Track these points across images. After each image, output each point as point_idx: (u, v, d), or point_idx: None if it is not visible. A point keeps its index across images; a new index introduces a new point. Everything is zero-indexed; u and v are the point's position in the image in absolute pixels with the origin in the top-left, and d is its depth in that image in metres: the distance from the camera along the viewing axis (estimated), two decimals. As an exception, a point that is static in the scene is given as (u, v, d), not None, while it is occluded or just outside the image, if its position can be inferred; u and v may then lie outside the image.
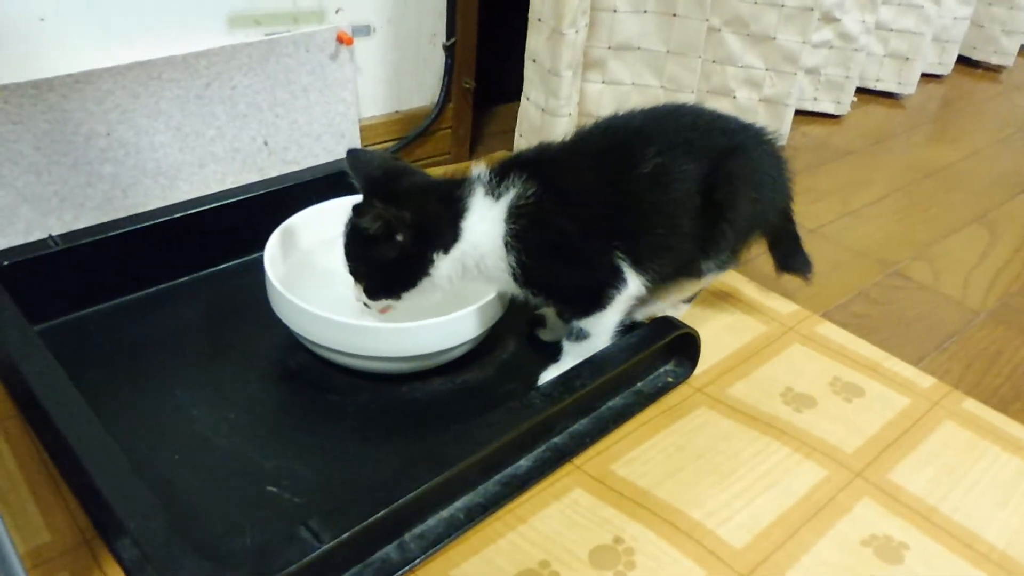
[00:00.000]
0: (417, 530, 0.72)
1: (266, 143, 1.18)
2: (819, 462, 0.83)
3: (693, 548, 0.73)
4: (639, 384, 0.91)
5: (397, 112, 1.34)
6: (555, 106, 1.23)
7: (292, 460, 0.79)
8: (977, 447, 0.87)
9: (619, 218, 0.83)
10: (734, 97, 1.43)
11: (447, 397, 0.88)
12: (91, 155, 1.03)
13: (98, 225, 0.98)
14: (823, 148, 1.58)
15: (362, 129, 1.28)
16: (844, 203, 1.38)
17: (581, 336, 0.86)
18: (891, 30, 1.73)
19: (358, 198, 0.83)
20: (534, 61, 1.24)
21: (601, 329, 0.85)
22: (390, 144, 1.33)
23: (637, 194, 0.83)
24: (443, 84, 1.35)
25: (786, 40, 1.37)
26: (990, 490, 0.82)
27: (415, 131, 1.34)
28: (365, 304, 0.84)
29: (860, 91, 1.77)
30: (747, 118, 0.94)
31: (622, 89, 1.37)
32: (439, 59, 1.34)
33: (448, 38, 1.32)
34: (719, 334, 1.01)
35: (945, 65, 1.95)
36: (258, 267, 0.88)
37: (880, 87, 1.82)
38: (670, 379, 0.92)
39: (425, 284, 0.81)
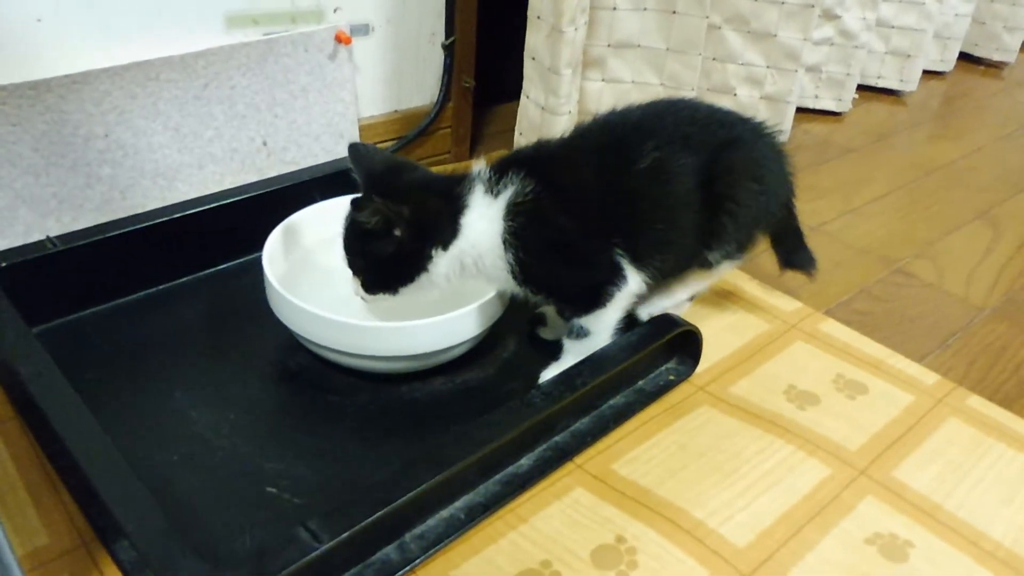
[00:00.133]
0: (417, 530, 0.71)
1: (265, 143, 1.17)
2: (822, 460, 0.83)
3: (695, 547, 0.73)
4: (640, 382, 0.90)
5: (396, 112, 1.34)
6: (555, 104, 1.22)
7: (292, 461, 0.78)
8: (982, 444, 0.86)
9: (618, 214, 0.82)
10: (735, 95, 1.42)
11: (447, 397, 0.88)
12: (89, 156, 1.03)
13: (97, 226, 0.97)
14: (824, 146, 1.58)
15: (361, 129, 1.28)
16: (846, 201, 1.37)
17: (582, 334, 0.85)
18: (892, 27, 1.73)
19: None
20: (533, 59, 1.24)
21: (602, 327, 0.85)
22: (389, 144, 1.33)
23: (636, 190, 0.83)
24: (442, 83, 1.35)
25: (787, 37, 1.37)
26: (995, 487, 0.81)
27: (414, 131, 1.34)
28: (363, 298, 0.84)
29: (861, 88, 1.77)
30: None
31: (622, 87, 1.36)
32: (438, 58, 1.34)
33: (447, 37, 1.32)
34: (721, 332, 1.00)
35: (947, 62, 1.95)
36: (257, 267, 0.88)
37: (881, 84, 1.81)
38: (672, 377, 0.92)
39: (423, 280, 0.81)
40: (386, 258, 0.79)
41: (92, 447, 0.67)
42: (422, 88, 1.35)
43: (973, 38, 2.01)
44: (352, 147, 0.85)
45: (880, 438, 0.86)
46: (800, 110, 1.60)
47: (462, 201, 0.80)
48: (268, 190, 1.07)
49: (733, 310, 1.05)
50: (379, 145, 1.32)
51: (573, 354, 0.86)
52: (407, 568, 0.69)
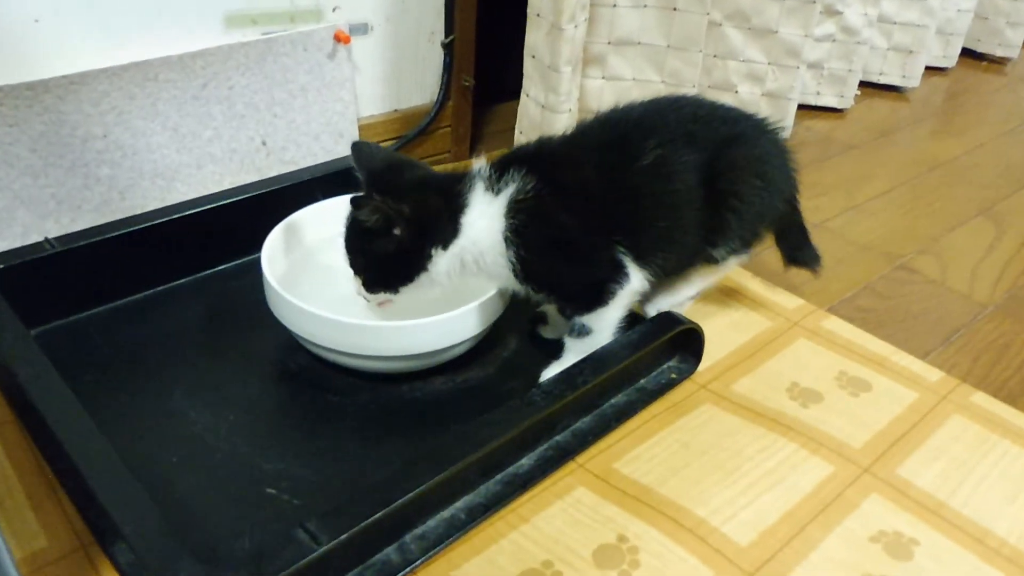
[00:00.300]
0: (418, 531, 0.71)
1: (264, 143, 1.17)
2: (826, 458, 0.82)
3: (698, 546, 0.72)
4: (642, 381, 0.90)
5: (396, 111, 1.33)
6: (555, 102, 1.22)
7: (291, 461, 0.78)
8: (986, 441, 0.86)
9: (620, 212, 0.82)
10: (736, 92, 1.42)
11: (448, 396, 0.87)
12: (88, 157, 1.02)
13: (95, 227, 0.97)
14: (827, 142, 1.57)
15: (361, 128, 1.28)
16: (848, 197, 1.37)
17: (583, 332, 0.85)
18: (894, 23, 1.72)
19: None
20: (533, 57, 1.23)
21: (603, 325, 0.84)
22: (389, 143, 1.32)
23: (638, 187, 0.82)
24: (442, 82, 1.35)
25: (788, 34, 1.36)
26: (1000, 484, 0.81)
27: (414, 130, 1.34)
28: (364, 297, 0.83)
29: (864, 84, 1.76)
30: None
31: (623, 85, 1.36)
32: (438, 57, 1.33)
33: (447, 36, 1.32)
34: (723, 330, 1.00)
35: (949, 58, 1.94)
36: (257, 267, 0.87)
37: (884, 80, 1.81)
38: (674, 375, 0.91)
39: (423, 279, 0.80)
40: (386, 257, 0.79)
41: (90, 449, 0.67)
42: (422, 87, 1.35)
43: (976, 34, 2.00)
44: (355, 145, 0.85)
45: (884, 435, 0.85)
46: (802, 107, 1.60)
47: (463, 199, 0.80)
48: (267, 190, 1.07)
49: (735, 307, 1.05)
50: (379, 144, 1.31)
51: (574, 352, 0.85)
52: (408, 569, 0.68)
